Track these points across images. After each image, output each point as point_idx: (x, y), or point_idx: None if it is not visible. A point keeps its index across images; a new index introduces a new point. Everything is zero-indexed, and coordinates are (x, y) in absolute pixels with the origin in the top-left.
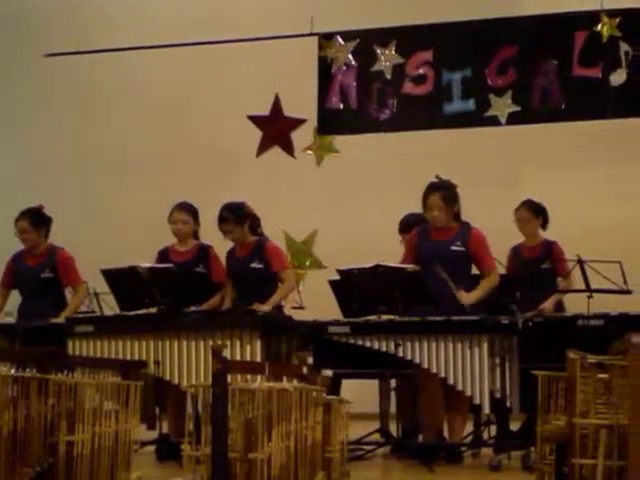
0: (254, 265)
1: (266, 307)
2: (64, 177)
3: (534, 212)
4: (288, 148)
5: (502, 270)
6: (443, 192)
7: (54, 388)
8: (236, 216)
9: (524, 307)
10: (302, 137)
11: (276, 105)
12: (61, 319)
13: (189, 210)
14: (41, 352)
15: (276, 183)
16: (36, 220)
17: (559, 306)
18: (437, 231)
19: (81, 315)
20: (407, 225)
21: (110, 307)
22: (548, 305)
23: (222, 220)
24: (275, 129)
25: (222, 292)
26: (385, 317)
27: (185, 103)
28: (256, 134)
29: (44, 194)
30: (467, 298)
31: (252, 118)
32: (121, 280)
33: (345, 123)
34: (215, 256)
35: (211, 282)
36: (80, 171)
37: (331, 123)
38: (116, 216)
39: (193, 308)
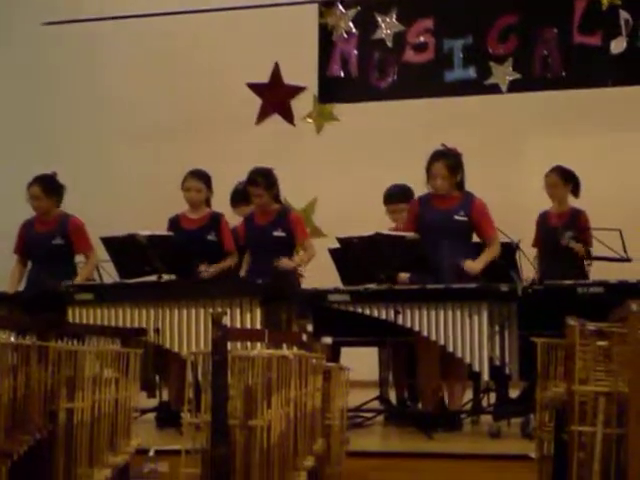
0: (277, 233)
1: (292, 263)
2: (67, 147)
3: (563, 178)
4: (288, 116)
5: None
6: (447, 160)
7: (54, 356)
8: (267, 181)
9: (547, 274)
10: (302, 105)
11: (276, 73)
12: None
13: (202, 177)
14: (41, 320)
15: (276, 151)
16: (48, 187)
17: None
18: (440, 200)
19: (81, 283)
20: (390, 196)
21: (110, 275)
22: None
23: (252, 183)
24: (275, 97)
25: (231, 258)
26: (384, 285)
27: (185, 70)
28: (256, 102)
29: (50, 164)
30: (472, 267)
31: (252, 86)
32: (121, 248)
33: (346, 91)
34: (226, 225)
35: (222, 250)
36: (81, 140)
37: (331, 91)
38: (114, 184)
39: (204, 268)
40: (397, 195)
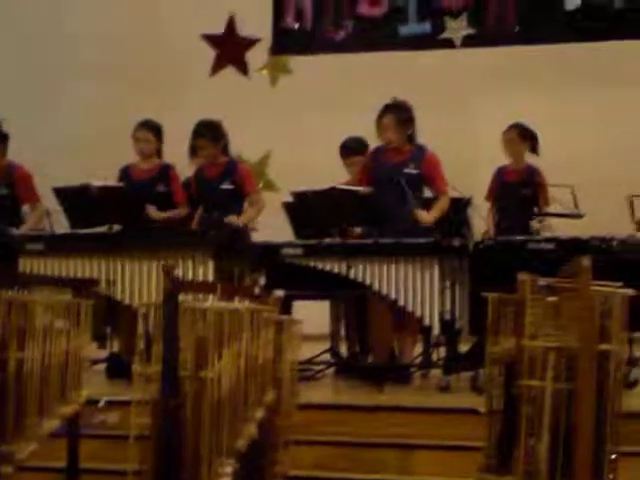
0: (225, 186)
1: (239, 221)
2: (13, 93)
3: (521, 135)
4: (242, 68)
5: (457, 192)
6: (397, 113)
7: (4, 306)
8: (212, 133)
9: (501, 230)
10: (256, 57)
11: (230, 24)
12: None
13: (152, 128)
14: None
15: (230, 103)
16: None
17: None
18: (391, 153)
19: (32, 233)
20: (347, 149)
21: (62, 225)
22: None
23: (197, 135)
24: (229, 49)
25: (180, 210)
26: (337, 239)
27: (139, 21)
28: (210, 54)
29: None
30: (425, 217)
31: (206, 37)
32: (73, 199)
33: (300, 43)
34: (176, 176)
35: (172, 202)
36: (30, 88)
37: (286, 43)
38: (67, 133)
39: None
40: (351, 148)
